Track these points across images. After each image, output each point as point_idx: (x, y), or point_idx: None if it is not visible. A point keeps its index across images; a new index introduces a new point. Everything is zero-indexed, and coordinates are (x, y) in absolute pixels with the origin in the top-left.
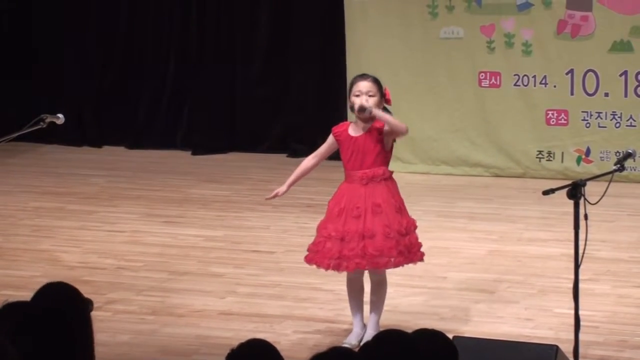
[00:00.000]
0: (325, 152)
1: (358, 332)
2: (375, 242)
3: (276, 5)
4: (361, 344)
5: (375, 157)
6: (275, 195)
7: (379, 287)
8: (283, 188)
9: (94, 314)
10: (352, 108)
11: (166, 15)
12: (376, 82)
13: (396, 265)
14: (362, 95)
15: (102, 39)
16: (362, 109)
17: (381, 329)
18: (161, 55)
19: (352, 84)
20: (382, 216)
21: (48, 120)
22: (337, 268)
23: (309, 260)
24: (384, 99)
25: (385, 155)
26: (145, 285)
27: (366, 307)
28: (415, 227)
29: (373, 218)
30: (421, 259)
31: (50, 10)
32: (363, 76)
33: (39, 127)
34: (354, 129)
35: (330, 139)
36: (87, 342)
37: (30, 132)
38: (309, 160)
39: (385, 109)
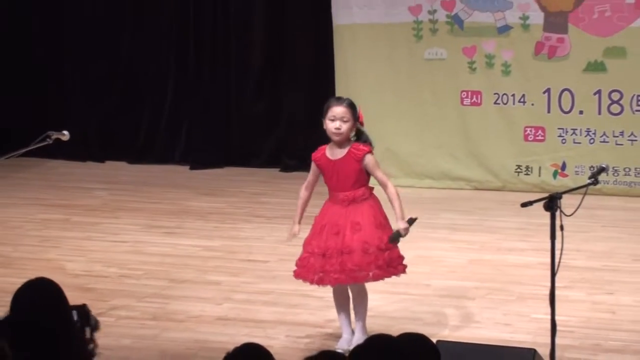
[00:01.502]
0: (313, 180)
1: (347, 337)
2: (353, 258)
3: (270, 29)
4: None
5: (355, 180)
6: (294, 236)
7: (358, 296)
8: (296, 227)
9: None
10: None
11: (164, 40)
12: (351, 106)
13: (375, 279)
14: (336, 120)
15: (106, 61)
16: (397, 238)
17: (370, 333)
18: (160, 76)
19: (328, 107)
20: (360, 233)
21: (54, 136)
22: (320, 282)
23: (297, 275)
24: (357, 122)
25: (364, 176)
26: (146, 293)
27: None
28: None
29: (352, 235)
30: (403, 272)
31: (56, 36)
32: (338, 100)
33: (46, 143)
34: (331, 152)
35: (313, 165)
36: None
37: (38, 148)
38: (303, 193)
39: (358, 130)
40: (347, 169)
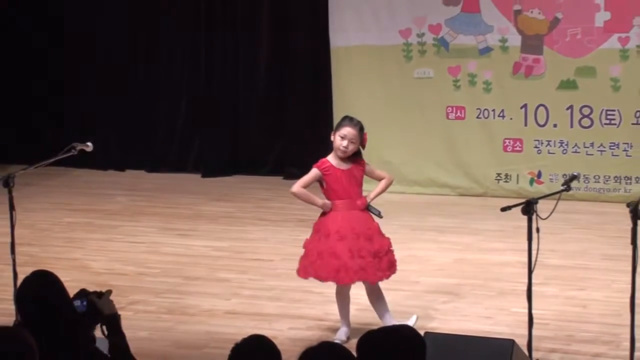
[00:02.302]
0: (308, 182)
1: (345, 330)
2: (369, 261)
3: (274, 52)
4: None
5: (360, 187)
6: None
7: (374, 292)
8: (329, 202)
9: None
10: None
11: (178, 65)
12: (361, 130)
13: (381, 279)
14: (345, 139)
15: (126, 83)
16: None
17: (366, 325)
18: (175, 96)
19: (341, 124)
20: (373, 240)
21: (79, 148)
22: (336, 281)
23: (303, 274)
24: (361, 145)
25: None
26: (162, 289)
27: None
28: (390, 245)
29: (367, 241)
30: (395, 272)
31: (86, 60)
32: (352, 121)
33: (71, 154)
34: (337, 163)
35: (317, 173)
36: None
37: (64, 158)
38: (301, 188)
39: (358, 151)
40: (357, 176)
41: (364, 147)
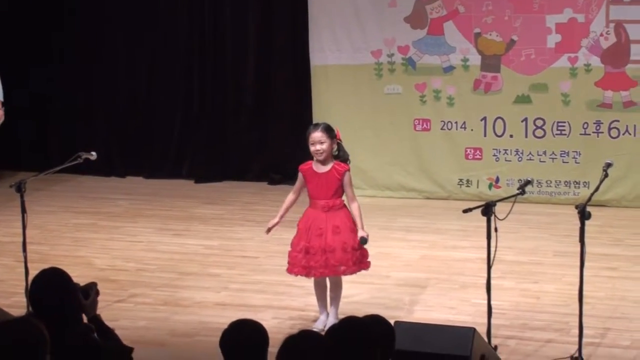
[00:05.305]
0: (299, 186)
1: (323, 319)
2: (335, 256)
3: (259, 71)
4: (326, 328)
5: (334, 191)
6: (273, 227)
7: (336, 287)
8: (276, 219)
9: (118, 304)
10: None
11: (174, 82)
12: (326, 129)
13: (350, 273)
14: (315, 144)
15: (127, 98)
16: (363, 241)
17: (341, 316)
18: (170, 110)
19: (308, 134)
20: (340, 235)
21: (84, 156)
22: (307, 275)
23: (288, 270)
24: (335, 139)
25: (341, 190)
26: (159, 283)
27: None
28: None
29: (333, 237)
30: (369, 267)
31: (87, 74)
32: (315, 126)
33: (77, 162)
34: (317, 167)
35: (300, 175)
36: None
37: (70, 166)
38: (290, 196)
39: (338, 144)
40: (330, 181)
41: (339, 139)
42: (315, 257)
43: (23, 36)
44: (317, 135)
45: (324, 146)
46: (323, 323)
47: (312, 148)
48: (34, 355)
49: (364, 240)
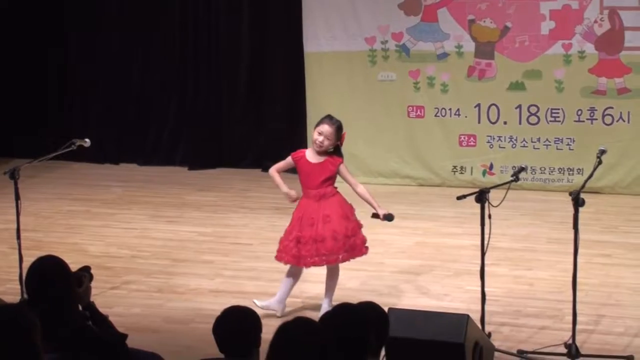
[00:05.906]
0: (283, 168)
1: (278, 299)
2: (325, 245)
3: (253, 59)
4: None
5: (324, 180)
6: (292, 196)
7: (332, 275)
8: (289, 190)
9: (113, 291)
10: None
11: (169, 70)
12: (338, 129)
13: (343, 261)
14: (322, 135)
15: (122, 86)
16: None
17: (335, 302)
18: (165, 97)
19: (321, 121)
20: (330, 224)
21: (78, 143)
22: (298, 264)
23: (277, 258)
24: (338, 142)
25: (332, 178)
26: (153, 270)
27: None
28: (361, 227)
29: (324, 226)
30: (365, 253)
31: (87, 65)
32: (331, 120)
33: (71, 149)
34: (311, 157)
35: (290, 160)
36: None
37: (64, 153)
38: (274, 172)
39: (336, 147)
40: (322, 172)
41: (341, 144)
42: (306, 246)
43: (19, 25)
44: (327, 129)
45: (327, 143)
46: (277, 302)
47: (316, 137)
48: (26, 339)
49: (390, 217)
